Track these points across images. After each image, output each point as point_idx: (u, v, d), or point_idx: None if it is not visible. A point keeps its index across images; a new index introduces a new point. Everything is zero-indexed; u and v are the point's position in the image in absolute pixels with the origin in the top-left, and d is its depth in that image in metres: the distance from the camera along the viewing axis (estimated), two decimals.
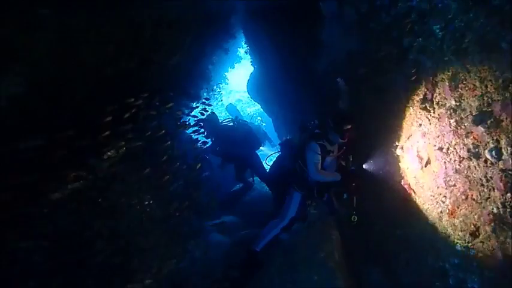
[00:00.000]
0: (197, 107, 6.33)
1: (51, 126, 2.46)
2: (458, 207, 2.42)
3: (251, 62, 9.45)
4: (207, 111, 5.72)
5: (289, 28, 5.21)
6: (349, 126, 3.38)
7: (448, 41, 2.16)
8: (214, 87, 8.34)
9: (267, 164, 5.02)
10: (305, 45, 4.94)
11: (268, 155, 4.92)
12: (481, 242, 2.22)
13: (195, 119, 5.64)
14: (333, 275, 3.15)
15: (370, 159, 3.57)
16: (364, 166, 3.60)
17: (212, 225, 5.01)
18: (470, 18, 1.99)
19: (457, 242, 2.46)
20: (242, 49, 9.73)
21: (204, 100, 6.39)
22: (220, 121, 5.81)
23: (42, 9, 2.23)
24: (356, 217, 3.49)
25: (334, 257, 3.38)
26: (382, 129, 3.35)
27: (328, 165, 3.68)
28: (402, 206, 3.08)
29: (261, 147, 6.17)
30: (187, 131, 5.72)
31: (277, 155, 4.48)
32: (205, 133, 5.52)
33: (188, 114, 5.82)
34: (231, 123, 5.76)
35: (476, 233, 2.25)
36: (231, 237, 4.65)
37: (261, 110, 10.33)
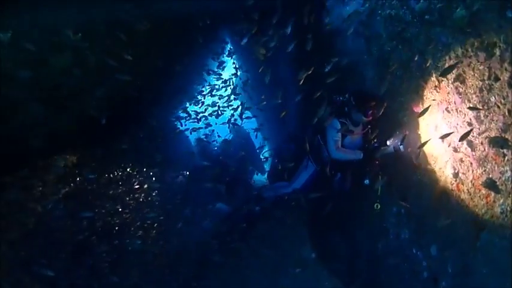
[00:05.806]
0: None
1: None
2: None
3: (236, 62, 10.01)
4: None
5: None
6: (372, 104, 3.19)
7: (380, 59, 3.06)
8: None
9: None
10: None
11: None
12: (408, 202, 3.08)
13: None
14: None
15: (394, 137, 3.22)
16: (388, 143, 3.28)
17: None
18: (393, 44, 2.87)
19: (394, 206, 3.33)
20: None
21: None
22: None
23: None
24: (379, 205, 3.33)
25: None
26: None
27: (349, 144, 3.56)
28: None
29: None
30: None
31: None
32: None
33: None
34: None
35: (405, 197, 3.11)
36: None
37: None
